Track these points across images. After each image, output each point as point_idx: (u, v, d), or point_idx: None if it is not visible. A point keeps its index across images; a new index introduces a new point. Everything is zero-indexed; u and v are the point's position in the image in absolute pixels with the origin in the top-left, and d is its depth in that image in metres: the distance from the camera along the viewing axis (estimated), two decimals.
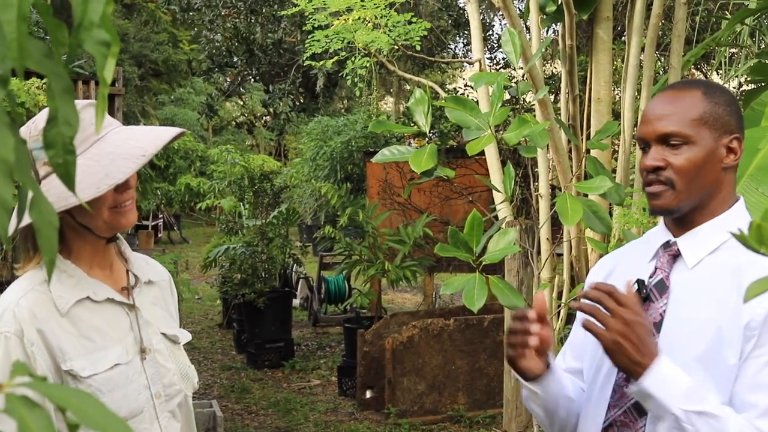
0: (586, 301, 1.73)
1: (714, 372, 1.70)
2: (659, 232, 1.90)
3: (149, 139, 1.93)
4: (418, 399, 6.85)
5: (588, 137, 3.74)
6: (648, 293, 1.82)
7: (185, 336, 2.16)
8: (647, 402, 1.70)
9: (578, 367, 2.00)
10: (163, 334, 2.07)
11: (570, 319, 3.92)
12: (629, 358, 1.68)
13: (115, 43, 0.77)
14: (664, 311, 1.80)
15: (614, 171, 3.91)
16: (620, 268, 1.97)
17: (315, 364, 8.75)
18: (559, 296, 3.89)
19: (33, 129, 1.89)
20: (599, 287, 1.73)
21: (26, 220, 1.67)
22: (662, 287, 1.82)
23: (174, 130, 2.00)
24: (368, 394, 7.11)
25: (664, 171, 1.77)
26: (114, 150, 1.87)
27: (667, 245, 1.85)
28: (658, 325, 1.79)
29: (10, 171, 0.72)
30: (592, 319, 1.71)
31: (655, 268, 1.85)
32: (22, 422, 0.68)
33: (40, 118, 1.92)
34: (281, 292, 9.11)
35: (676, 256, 1.83)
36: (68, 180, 0.78)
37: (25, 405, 0.69)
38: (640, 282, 1.83)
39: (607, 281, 1.92)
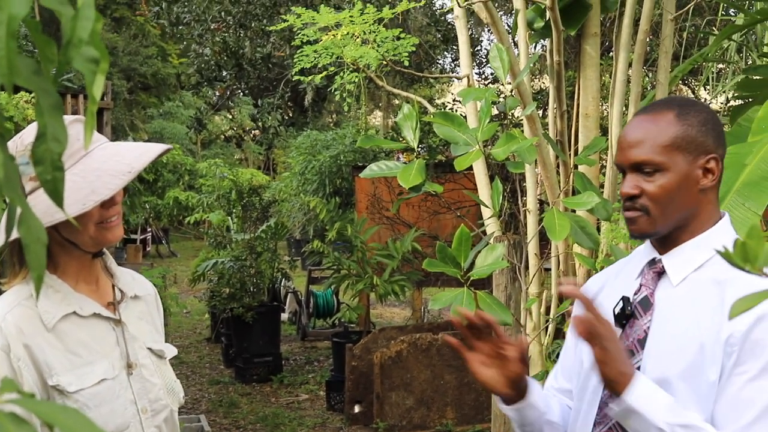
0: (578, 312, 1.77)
1: (696, 389, 1.70)
2: (645, 250, 1.90)
3: (135, 155, 1.93)
4: (406, 414, 6.84)
5: (576, 153, 3.75)
6: (633, 310, 1.83)
7: (171, 351, 2.16)
8: (629, 419, 1.69)
9: (568, 388, 2.01)
10: (150, 349, 2.07)
11: (558, 334, 3.92)
12: (616, 365, 1.67)
13: (104, 60, 0.77)
14: (648, 328, 1.80)
15: (602, 186, 3.91)
16: (609, 285, 1.98)
17: (303, 379, 8.73)
18: (547, 311, 3.89)
19: (20, 144, 1.88)
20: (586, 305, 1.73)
21: (13, 234, 1.67)
22: (647, 304, 1.82)
23: (160, 147, 2.00)
24: (356, 408, 7.09)
25: (639, 198, 1.77)
26: (100, 166, 1.87)
27: (652, 263, 1.85)
28: (642, 342, 1.80)
29: None
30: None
31: (640, 285, 1.85)
32: None
33: (27, 133, 1.91)
34: (269, 307, 9.09)
35: (660, 273, 1.83)
36: (56, 196, 0.78)
37: (12, 421, 0.69)
38: (625, 299, 1.84)
39: (597, 299, 1.94)
